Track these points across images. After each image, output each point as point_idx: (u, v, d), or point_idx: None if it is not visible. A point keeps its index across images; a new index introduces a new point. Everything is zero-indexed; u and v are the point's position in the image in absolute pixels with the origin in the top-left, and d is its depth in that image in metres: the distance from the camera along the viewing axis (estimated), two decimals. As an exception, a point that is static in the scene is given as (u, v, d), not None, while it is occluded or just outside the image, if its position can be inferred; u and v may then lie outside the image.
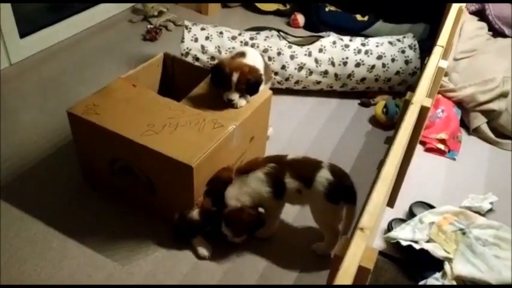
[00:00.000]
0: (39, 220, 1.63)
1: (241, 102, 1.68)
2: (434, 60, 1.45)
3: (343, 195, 1.48)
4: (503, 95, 2.15)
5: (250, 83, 1.65)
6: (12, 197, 1.70)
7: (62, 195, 1.73)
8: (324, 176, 1.47)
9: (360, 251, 0.76)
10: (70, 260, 1.51)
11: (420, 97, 1.27)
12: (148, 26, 2.79)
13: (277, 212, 1.61)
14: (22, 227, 1.60)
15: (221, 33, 2.29)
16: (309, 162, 1.54)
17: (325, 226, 1.55)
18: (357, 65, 2.26)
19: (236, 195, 1.50)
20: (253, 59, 1.77)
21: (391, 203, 1.69)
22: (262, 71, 1.76)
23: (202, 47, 2.25)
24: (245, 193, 1.50)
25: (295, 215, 1.71)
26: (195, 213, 1.54)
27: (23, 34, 2.41)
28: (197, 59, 2.25)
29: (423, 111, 1.29)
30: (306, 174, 1.48)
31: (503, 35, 2.52)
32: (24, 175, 1.80)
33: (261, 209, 1.57)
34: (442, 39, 1.56)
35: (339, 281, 0.72)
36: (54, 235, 1.59)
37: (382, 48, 2.29)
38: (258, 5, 3.09)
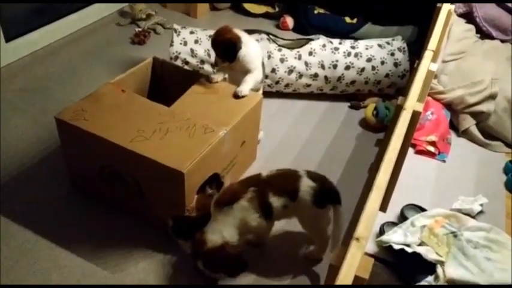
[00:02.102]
0: (27, 229, 1.60)
1: (245, 90, 1.72)
2: (425, 65, 1.45)
3: (329, 198, 1.48)
4: (492, 96, 2.17)
5: (223, 47, 1.75)
6: (-1, 205, 1.67)
7: (50, 203, 1.70)
8: (306, 184, 1.44)
9: (356, 261, 0.75)
10: (60, 269, 1.49)
11: (412, 102, 1.27)
12: (137, 29, 2.76)
13: (268, 234, 1.57)
14: (10, 236, 1.57)
15: (210, 36, 2.27)
16: (286, 175, 1.49)
17: (316, 232, 1.54)
18: (347, 67, 2.27)
19: (220, 230, 1.39)
20: (247, 49, 1.80)
21: (383, 207, 1.70)
22: (256, 61, 1.83)
23: (192, 50, 2.23)
24: (231, 225, 1.40)
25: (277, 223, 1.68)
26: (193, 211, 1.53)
27: (8, 38, 2.37)
28: (187, 63, 2.23)
29: (415, 115, 1.29)
30: (289, 187, 1.44)
31: (490, 37, 2.54)
32: (10, 182, 1.77)
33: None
34: (432, 43, 1.57)
35: (335, 291, 0.72)
36: (42, 244, 1.56)
37: (371, 51, 2.30)
38: (247, 7, 3.08)
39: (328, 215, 1.49)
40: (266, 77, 2.24)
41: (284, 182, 1.46)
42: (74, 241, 1.57)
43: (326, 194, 1.47)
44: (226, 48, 1.77)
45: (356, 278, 0.76)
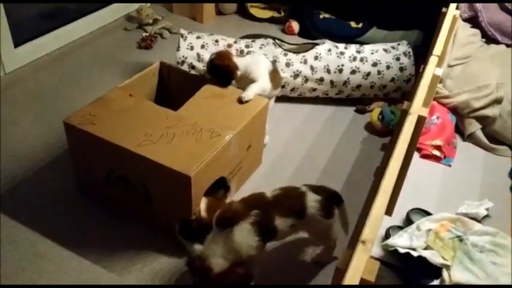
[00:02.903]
0: (35, 231, 1.62)
1: (248, 95, 1.76)
2: (430, 70, 1.46)
3: (334, 204, 1.48)
4: (497, 101, 2.17)
5: (220, 72, 1.83)
6: (8, 208, 1.69)
7: (58, 206, 1.72)
8: (312, 199, 1.43)
9: (362, 264, 0.76)
10: (67, 272, 1.50)
11: (417, 107, 1.28)
12: (144, 34, 2.79)
13: (262, 253, 1.46)
14: (18, 238, 1.59)
15: (217, 41, 2.30)
16: (290, 193, 1.45)
17: (325, 239, 1.55)
18: (353, 72, 2.28)
19: (222, 253, 1.33)
20: (250, 60, 1.93)
21: (389, 211, 1.70)
22: (259, 70, 1.89)
23: (198, 55, 2.25)
24: (231, 249, 1.33)
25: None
26: (203, 213, 1.53)
27: (17, 43, 2.40)
28: (193, 67, 2.25)
29: (420, 120, 1.30)
30: (296, 207, 1.41)
31: (496, 41, 2.54)
32: (19, 185, 1.79)
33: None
34: (438, 48, 1.57)
35: (341, 294, 0.72)
36: (50, 246, 1.58)
37: (377, 56, 2.31)
38: (253, 12, 3.11)
39: (334, 220, 1.50)
40: (283, 86, 2.25)
41: (290, 201, 1.42)
42: (81, 244, 1.59)
43: (331, 202, 1.47)
44: (221, 74, 1.84)
45: (362, 281, 0.77)
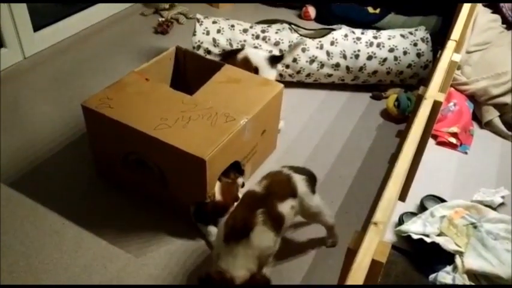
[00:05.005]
0: (54, 211, 1.66)
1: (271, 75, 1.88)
2: (448, 55, 1.44)
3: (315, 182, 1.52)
4: (516, 88, 2.14)
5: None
6: (27, 189, 1.73)
7: (76, 187, 1.76)
8: (299, 178, 1.45)
9: (374, 245, 0.77)
10: (85, 251, 1.54)
11: (433, 92, 1.27)
12: (160, 19, 2.80)
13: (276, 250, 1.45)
14: (37, 218, 1.63)
15: (232, 26, 2.30)
16: (278, 178, 1.44)
17: (320, 218, 1.55)
18: (369, 57, 2.26)
19: (243, 265, 1.28)
20: (256, 59, 2.02)
21: (402, 197, 1.70)
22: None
23: (214, 40, 2.25)
24: (253, 256, 1.30)
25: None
26: (218, 196, 1.55)
27: (36, 28, 2.44)
28: (209, 52, 2.26)
29: (436, 105, 1.29)
30: (288, 189, 1.42)
31: (517, 27, 2.50)
32: (38, 167, 1.83)
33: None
34: (456, 33, 1.55)
35: (352, 274, 0.73)
36: (69, 226, 1.62)
37: (394, 41, 2.28)
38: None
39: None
40: (287, 66, 2.25)
41: (281, 185, 1.42)
42: (99, 225, 1.62)
43: (314, 180, 1.51)
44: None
45: (373, 261, 0.78)
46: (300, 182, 1.45)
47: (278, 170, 1.48)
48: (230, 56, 2.05)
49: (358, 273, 0.73)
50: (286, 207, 1.40)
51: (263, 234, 1.32)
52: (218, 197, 1.58)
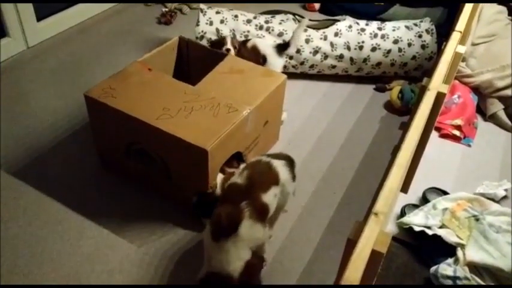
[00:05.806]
0: (57, 201, 1.67)
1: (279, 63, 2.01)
2: (452, 46, 1.43)
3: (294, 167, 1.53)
4: (522, 81, 2.12)
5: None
6: (30, 178, 1.74)
7: (79, 177, 1.77)
8: (280, 165, 1.44)
9: (374, 235, 0.77)
10: (88, 240, 1.55)
11: (437, 83, 1.26)
12: (163, 9, 2.79)
13: (266, 241, 1.49)
14: (41, 208, 1.64)
15: (236, 16, 2.29)
16: (259, 167, 1.43)
17: (283, 206, 1.54)
18: (373, 49, 2.25)
19: (236, 258, 1.29)
20: (264, 47, 2.05)
21: (405, 188, 1.70)
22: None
23: (217, 30, 2.25)
24: (244, 249, 1.30)
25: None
26: (220, 187, 1.56)
27: (39, 17, 2.44)
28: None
29: (439, 97, 1.28)
30: (271, 177, 1.41)
31: (523, 19, 2.47)
32: (41, 157, 1.84)
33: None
34: (461, 24, 1.54)
35: (352, 264, 0.73)
36: (72, 216, 1.62)
37: (398, 33, 2.27)
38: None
39: None
40: (291, 57, 2.24)
41: (263, 175, 1.41)
42: (101, 214, 1.63)
43: (293, 164, 1.51)
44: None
45: (373, 252, 0.77)
46: (281, 168, 1.45)
47: (257, 159, 1.47)
48: (217, 46, 2.02)
49: (357, 263, 0.73)
50: (270, 197, 1.39)
51: (251, 227, 1.31)
52: (220, 188, 1.58)
